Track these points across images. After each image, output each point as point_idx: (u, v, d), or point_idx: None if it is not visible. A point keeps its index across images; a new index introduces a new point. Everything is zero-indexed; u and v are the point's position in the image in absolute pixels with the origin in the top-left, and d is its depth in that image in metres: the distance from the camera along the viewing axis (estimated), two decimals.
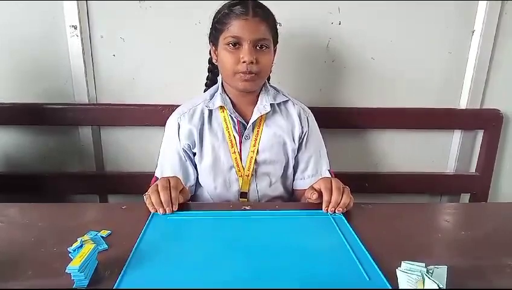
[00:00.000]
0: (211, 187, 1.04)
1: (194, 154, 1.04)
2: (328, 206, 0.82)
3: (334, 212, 0.82)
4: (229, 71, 0.96)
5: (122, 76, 1.33)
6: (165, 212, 0.80)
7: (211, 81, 1.13)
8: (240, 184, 1.03)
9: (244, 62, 0.92)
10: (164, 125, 1.08)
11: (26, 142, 1.39)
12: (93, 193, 1.45)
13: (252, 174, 1.03)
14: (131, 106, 1.34)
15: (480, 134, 1.45)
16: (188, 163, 1.04)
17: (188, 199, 0.93)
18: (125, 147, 1.41)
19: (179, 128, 1.02)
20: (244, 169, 1.02)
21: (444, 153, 1.49)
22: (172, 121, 1.05)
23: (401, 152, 1.47)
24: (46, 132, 1.38)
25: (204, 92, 1.11)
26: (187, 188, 1.01)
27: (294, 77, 1.36)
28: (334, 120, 1.38)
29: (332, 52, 1.34)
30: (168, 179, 0.84)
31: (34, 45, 1.28)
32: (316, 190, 0.87)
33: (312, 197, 0.85)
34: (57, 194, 1.42)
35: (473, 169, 1.50)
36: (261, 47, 0.94)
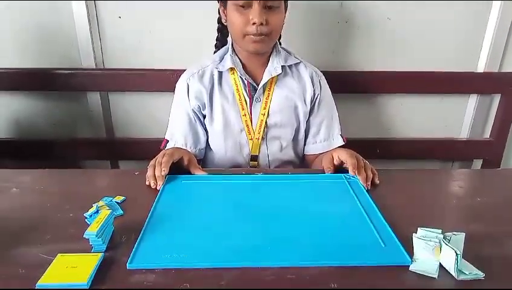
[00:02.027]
0: (221, 150, 1.04)
1: (204, 116, 1.03)
2: (355, 169, 0.82)
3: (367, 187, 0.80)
4: (238, 33, 0.93)
5: (129, 39, 1.30)
6: (155, 186, 0.79)
7: (220, 42, 1.10)
8: (250, 147, 1.03)
9: (254, 24, 0.89)
10: (173, 90, 1.06)
11: (35, 108, 1.38)
12: (104, 159, 1.46)
13: (262, 138, 1.02)
14: (139, 70, 1.31)
15: (496, 98, 1.41)
16: (198, 125, 1.03)
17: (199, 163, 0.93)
18: (134, 113, 1.40)
19: (188, 89, 1.01)
20: (254, 132, 1.01)
21: (459, 117, 1.46)
22: (181, 82, 1.03)
23: (415, 117, 1.44)
24: (55, 97, 1.37)
25: (214, 53, 1.08)
26: (196, 151, 1.02)
27: (305, 38, 1.31)
28: (346, 84, 1.34)
29: (346, 12, 1.28)
30: (163, 154, 0.84)
31: (38, 8, 1.24)
32: (333, 159, 0.89)
33: (327, 172, 0.87)
34: (67, 160, 1.43)
35: (487, 135, 1.47)
36: (271, 7, 0.90)
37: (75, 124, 1.41)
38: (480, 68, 1.37)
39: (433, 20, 1.30)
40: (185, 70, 1.06)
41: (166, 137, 1.04)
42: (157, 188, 0.78)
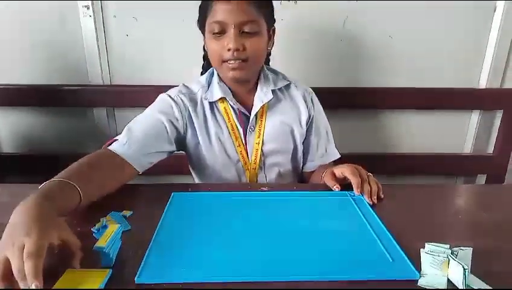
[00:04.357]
0: (220, 180, 1.00)
1: (180, 142, 0.96)
2: (359, 188, 0.80)
3: (373, 202, 0.78)
4: (216, 60, 0.89)
5: (136, 56, 1.32)
6: None
7: (205, 71, 1.05)
8: (248, 177, 0.99)
9: (229, 50, 0.85)
10: None
11: (43, 123, 1.40)
12: None
13: (259, 167, 0.98)
14: (146, 87, 1.33)
15: (499, 114, 1.42)
16: (166, 137, 0.90)
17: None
18: None
19: (175, 104, 0.93)
20: (250, 162, 0.98)
21: (462, 133, 1.47)
22: (167, 96, 0.95)
23: (418, 133, 1.45)
24: (62, 113, 1.39)
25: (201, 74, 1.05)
26: (141, 164, 0.86)
27: (310, 56, 1.34)
28: (349, 100, 1.36)
29: (349, 30, 1.31)
30: (18, 251, 0.49)
31: (48, 25, 1.28)
32: (336, 176, 0.86)
33: (335, 189, 0.84)
34: None
35: (490, 150, 1.48)
36: (248, 32, 0.85)
37: (82, 139, 1.43)
38: (482, 84, 1.38)
39: (435, 38, 1.33)
40: None
41: (118, 137, 0.87)
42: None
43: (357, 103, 1.37)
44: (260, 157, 0.98)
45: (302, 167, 1.07)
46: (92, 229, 0.68)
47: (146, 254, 0.60)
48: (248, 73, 0.91)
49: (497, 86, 1.38)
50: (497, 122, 1.44)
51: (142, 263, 0.57)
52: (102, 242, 0.56)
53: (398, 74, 1.37)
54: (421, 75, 1.37)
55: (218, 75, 0.96)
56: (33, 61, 1.32)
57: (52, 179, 0.68)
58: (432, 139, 1.46)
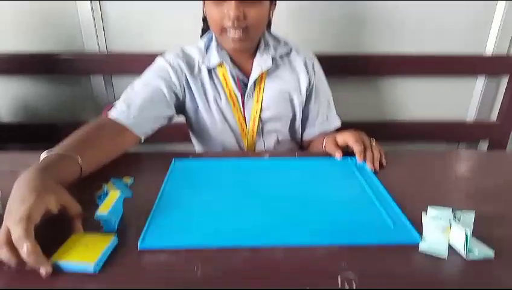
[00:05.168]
0: (219, 147, 1.00)
1: (182, 103, 0.96)
2: (361, 156, 0.79)
3: (375, 169, 0.78)
4: (216, 28, 0.86)
5: (132, 22, 1.28)
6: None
7: (204, 33, 1.02)
8: (245, 144, 0.99)
9: (229, 18, 0.82)
10: None
11: (40, 91, 1.38)
12: None
13: (257, 133, 0.98)
14: (143, 55, 1.30)
15: (504, 81, 1.40)
16: (165, 102, 0.89)
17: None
18: None
19: (172, 67, 0.91)
20: (248, 129, 0.97)
21: (466, 99, 1.45)
22: (163, 60, 0.93)
23: (422, 99, 1.44)
24: (59, 81, 1.37)
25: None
26: (142, 133, 0.85)
27: (310, 20, 1.29)
28: (353, 67, 1.33)
29: None
30: (14, 222, 0.49)
31: None
32: (338, 143, 0.85)
33: (337, 157, 0.82)
34: None
35: (493, 117, 1.46)
36: (249, 0, 0.82)
37: (80, 107, 1.41)
38: (489, 50, 1.35)
39: (442, 3, 1.28)
40: None
41: (118, 103, 0.85)
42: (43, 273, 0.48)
43: (359, 69, 1.34)
44: (258, 123, 0.97)
45: (302, 134, 1.06)
46: (95, 194, 0.67)
47: (148, 220, 0.60)
48: (249, 43, 0.89)
49: (504, 52, 1.34)
50: (502, 89, 1.42)
51: (145, 229, 0.57)
52: (104, 209, 0.56)
53: (403, 38, 1.33)
54: (428, 40, 1.33)
55: (217, 40, 0.94)
56: (27, 28, 1.28)
57: (52, 150, 0.67)
58: (436, 105, 1.44)
